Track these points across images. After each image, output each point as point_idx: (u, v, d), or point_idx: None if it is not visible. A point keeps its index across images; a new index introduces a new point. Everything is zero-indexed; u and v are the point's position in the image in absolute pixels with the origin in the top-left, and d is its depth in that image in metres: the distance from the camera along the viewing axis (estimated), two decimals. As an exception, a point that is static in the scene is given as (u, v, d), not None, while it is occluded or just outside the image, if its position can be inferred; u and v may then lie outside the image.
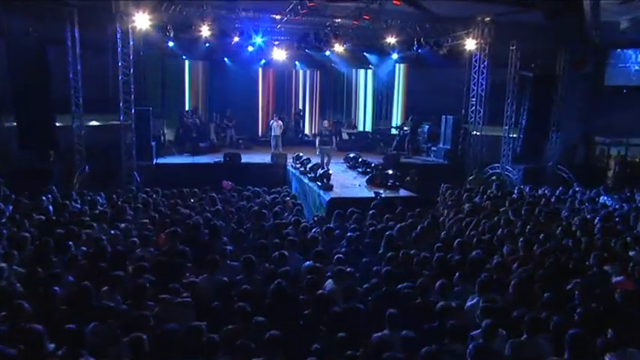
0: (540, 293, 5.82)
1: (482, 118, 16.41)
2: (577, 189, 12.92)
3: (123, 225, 8.13)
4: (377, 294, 6.01)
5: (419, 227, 8.69)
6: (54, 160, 13.15)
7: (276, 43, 18.46)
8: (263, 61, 20.25)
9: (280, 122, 17.10)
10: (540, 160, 16.55)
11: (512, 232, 8.32)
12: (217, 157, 15.69)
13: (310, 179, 12.75)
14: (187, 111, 17.83)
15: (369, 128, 21.79)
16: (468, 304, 5.78)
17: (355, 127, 21.09)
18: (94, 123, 14.75)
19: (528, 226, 8.67)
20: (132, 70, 13.66)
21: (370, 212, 9.68)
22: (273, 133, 16.86)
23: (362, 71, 22.33)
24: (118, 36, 13.25)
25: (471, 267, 6.73)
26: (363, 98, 22.37)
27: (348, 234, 8.05)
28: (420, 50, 17.10)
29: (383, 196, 10.97)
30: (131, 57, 13.57)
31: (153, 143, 14.93)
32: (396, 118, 21.16)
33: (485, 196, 11.59)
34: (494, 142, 16.71)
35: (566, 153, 17.31)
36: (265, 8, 14.88)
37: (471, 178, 15.50)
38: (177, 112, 17.99)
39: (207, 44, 17.44)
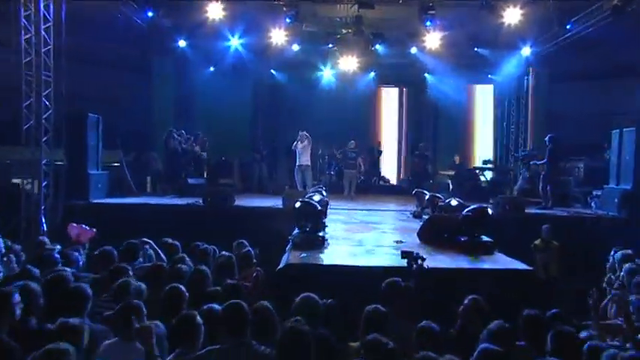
0: None
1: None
2: None
3: None
4: None
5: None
6: None
7: (338, 36, 12.29)
8: (326, 70, 14.11)
9: (306, 141, 10.48)
10: None
11: None
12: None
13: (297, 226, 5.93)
14: (177, 131, 11.23)
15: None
16: None
17: (460, 164, 13.37)
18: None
19: None
20: (50, 49, 8.42)
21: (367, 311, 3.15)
22: (298, 163, 10.35)
23: (478, 88, 15.01)
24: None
25: None
26: (480, 125, 14.95)
27: None
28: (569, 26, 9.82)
29: (426, 267, 3.73)
30: (49, 16, 8.32)
31: (92, 172, 9.23)
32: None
33: None
34: None
35: None
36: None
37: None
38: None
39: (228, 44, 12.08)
